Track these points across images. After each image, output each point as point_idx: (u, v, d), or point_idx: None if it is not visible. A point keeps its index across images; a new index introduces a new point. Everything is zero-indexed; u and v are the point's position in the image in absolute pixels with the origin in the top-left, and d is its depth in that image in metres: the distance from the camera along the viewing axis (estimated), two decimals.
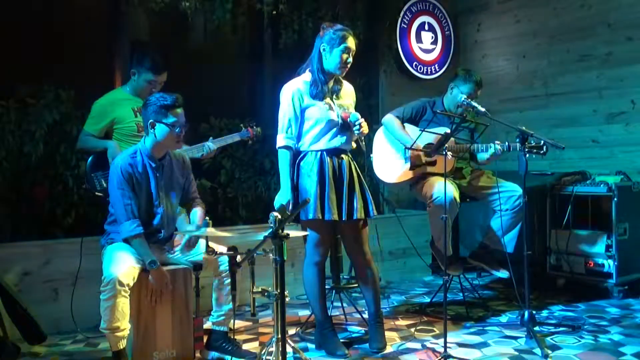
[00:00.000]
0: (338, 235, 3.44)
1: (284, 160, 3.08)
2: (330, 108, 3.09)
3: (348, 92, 3.22)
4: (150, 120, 2.88)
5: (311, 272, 3.14)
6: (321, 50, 3.07)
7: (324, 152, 3.08)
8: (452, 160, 3.65)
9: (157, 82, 3.49)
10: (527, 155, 3.32)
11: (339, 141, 3.10)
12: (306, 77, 3.12)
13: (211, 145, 3.58)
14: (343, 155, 3.14)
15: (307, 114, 3.08)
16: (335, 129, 3.09)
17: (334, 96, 3.14)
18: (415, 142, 3.43)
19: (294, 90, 3.08)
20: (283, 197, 3.06)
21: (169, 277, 2.90)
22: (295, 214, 2.69)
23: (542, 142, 3.40)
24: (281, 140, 3.09)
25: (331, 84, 3.13)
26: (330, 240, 3.25)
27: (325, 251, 3.18)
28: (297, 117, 3.08)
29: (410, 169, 3.78)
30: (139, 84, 3.49)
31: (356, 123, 3.06)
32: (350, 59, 3.07)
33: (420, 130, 3.54)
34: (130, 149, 3.01)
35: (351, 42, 3.05)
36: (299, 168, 3.10)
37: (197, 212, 3.09)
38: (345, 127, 3.12)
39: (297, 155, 3.12)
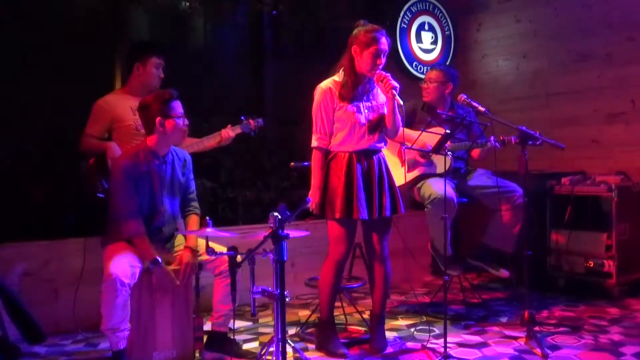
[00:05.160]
0: None
1: (315, 161, 3.11)
2: (359, 110, 3.06)
3: (380, 93, 3.16)
4: (158, 118, 2.89)
5: (330, 269, 3.13)
6: (353, 52, 3.04)
7: (353, 154, 3.07)
8: (449, 160, 3.64)
9: (162, 65, 3.53)
10: (526, 146, 3.30)
11: (367, 142, 3.08)
12: (338, 77, 3.10)
13: (229, 131, 3.59)
14: (373, 155, 3.13)
15: (336, 115, 3.06)
16: (363, 132, 3.07)
17: (364, 98, 3.11)
18: (413, 143, 3.42)
19: (326, 90, 3.06)
20: (311, 196, 3.06)
21: (173, 274, 2.90)
22: (294, 215, 2.67)
23: (540, 142, 3.39)
24: (314, 140, 3.11)
25: (363, 85, 3.10)
26: (353, 240, 3.21)
27: (348, 250, 3.15)
28: (330, 118, 3.06)
29: (408, 171, 3.78)
30: (146, 73, 3.50)
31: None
32: (384, 61, 3.03)
33: (420, 130, 3.53)
34: (132, 148, 3.01)
35: (384, 44, 3.01)
36: (329, 167, 3.10)
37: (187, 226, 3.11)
38: (373, 128, 3.09)
39: (328, 154, 3.12)
